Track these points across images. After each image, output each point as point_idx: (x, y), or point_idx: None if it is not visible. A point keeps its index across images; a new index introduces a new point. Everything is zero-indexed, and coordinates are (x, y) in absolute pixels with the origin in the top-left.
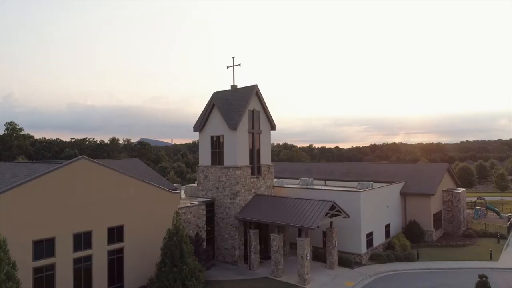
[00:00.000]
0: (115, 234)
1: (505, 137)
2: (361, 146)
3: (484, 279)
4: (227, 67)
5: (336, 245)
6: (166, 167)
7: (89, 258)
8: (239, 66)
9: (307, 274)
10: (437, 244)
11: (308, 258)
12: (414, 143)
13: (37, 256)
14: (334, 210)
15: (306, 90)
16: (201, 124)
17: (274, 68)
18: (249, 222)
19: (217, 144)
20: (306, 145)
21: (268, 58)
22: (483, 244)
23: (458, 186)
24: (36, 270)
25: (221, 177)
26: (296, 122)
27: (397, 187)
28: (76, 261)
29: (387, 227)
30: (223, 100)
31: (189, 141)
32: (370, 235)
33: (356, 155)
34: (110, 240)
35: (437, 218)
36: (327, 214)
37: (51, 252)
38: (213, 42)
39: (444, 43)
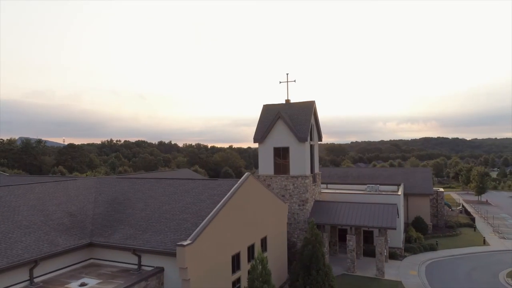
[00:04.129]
0: (263, 244)
1: (385, 138)
2: None
3: None
4: (280, 82)
5: (388, 241)
6: (121, 172)
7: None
8: (294, 82)
9: (384, 267)
10: (439, 235)
11: (385, 254)
12: None
13: (233, 270)
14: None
15: (206, 90)
16: (263, 136)
17: (175, 68)
18: (323, 226)
19: (282, 155)
20: (221, 145)
21: (170, 56)
22: (466, 232)
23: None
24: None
25: (288, 186)
26: (195, 122)
27: (402, 189)
28: (248, 273)
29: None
30: (284, 114)
31: (97, 141)
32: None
33: None
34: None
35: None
36: None
37: (238, 266)
38: (109, 35)
39: (322, 51)
